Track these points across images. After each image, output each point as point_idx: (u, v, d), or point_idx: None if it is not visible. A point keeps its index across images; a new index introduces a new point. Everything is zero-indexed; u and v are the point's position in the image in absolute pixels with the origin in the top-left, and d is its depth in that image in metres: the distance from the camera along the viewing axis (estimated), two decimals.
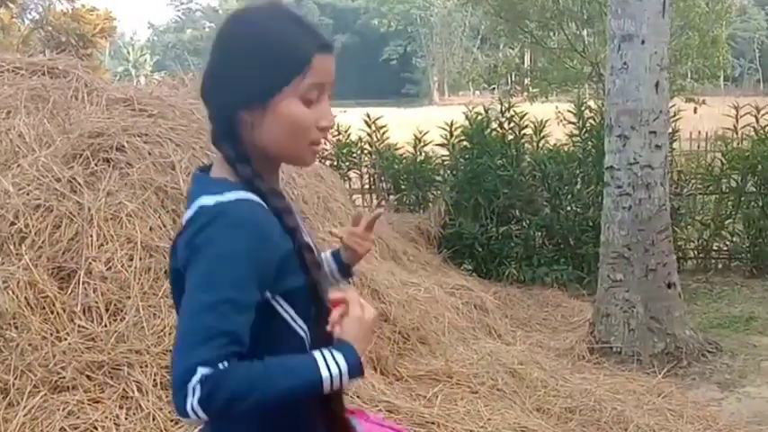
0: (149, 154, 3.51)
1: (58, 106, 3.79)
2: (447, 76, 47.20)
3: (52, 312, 3.07)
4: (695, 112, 11.49)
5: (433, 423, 3.26)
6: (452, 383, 3.71)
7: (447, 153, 6.89)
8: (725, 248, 6.93)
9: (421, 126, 7.20)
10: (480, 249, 6.44)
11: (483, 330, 4.61)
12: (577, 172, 6.64)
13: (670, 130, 5.78)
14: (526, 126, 6.80)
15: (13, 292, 3.01)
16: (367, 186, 7.27)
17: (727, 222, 6.81)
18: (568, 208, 6.63)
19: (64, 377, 2.89)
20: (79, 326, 3.07)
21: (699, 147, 8.08)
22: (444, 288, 4.85)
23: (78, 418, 2.81)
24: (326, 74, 1.22)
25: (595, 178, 6.33)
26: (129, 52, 51.92)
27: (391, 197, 7.11)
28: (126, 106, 4.00)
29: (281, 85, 1.19)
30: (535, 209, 6.63)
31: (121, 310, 3.14)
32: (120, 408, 2.87)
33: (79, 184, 3.35)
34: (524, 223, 6.64)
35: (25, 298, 3.04)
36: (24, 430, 2.72)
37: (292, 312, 1.22)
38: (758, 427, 3.74)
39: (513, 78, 16.55)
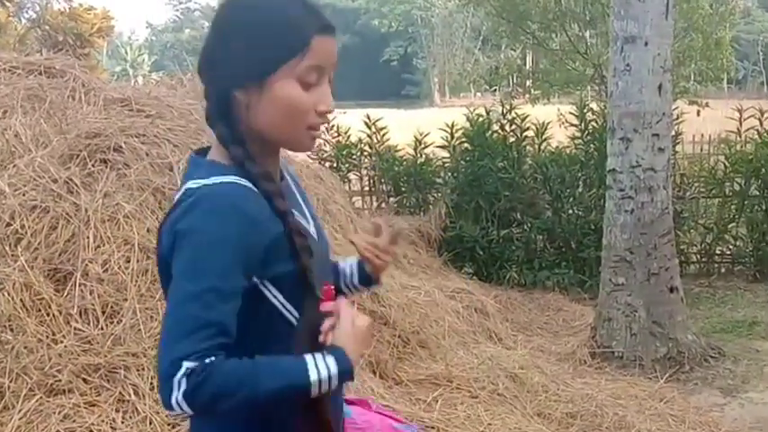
0: (147, 155, 3.49)
1: (55, 106, 3.77)
2: (448, 77, 47.14)
3: (48, 315, 3.05)
4: (698, 114, 11.47)
5: (432, 428, 3.25)
6: (452, 388, 3.69)
7: (448, 155, 6.87)
8: (728, 252, 6.91)
9: (421, 128, 7.19)
10: (481, 252, 6.42)
11: (483, 334, 4.59)
12: (579, 175, 6.62)
13: (673, 132, 5.77)
14: (528, 128, 6.78)
15: (9, 294, 2.99)
16: (367, 188, 7.25)
17: (730, 226, 6.78)
18: (570, 211, 6.62)
19: (60, 380, 2.86)
20: (75, 328, 3.04)
21: (702, 150, 8.05)
22: (445, 291, 4.83)
23: (74, 421, 2.78)
24: (326, 56, 1.18)
25: (597, 181, 6.30)
26: (126, 52, 51.76)
27: (391, 199, 7.09)
28: (123, 106, 3.98)
29: (278, 64, 1.15)
30: (536, 212, 6.61)
31: (118, 313, 3.11)
32: (117, 411, 2.84)
33: (76, 184, 3.33)
34: (525, 226, 6.62)
35: (21, 300, 3.02)
36: None
37: (281, 297, 1.19)
38: None
39: (515, 80, 16.50)
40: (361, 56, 50.52)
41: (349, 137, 7.15)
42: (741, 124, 7.21)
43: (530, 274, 6.32)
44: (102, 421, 2.80)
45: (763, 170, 6.53)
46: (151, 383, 2.93)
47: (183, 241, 1.11)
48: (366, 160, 7.15)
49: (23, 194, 3.26)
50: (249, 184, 1.17)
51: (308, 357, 1.15)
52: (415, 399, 3.55)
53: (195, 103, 4.09)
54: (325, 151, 7.02)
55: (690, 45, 11.54)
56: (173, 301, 1.11)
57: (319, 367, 1.14)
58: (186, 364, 1.06)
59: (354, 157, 7.11)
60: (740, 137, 7.22)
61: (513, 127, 6.75)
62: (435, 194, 6.87)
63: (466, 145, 6.71)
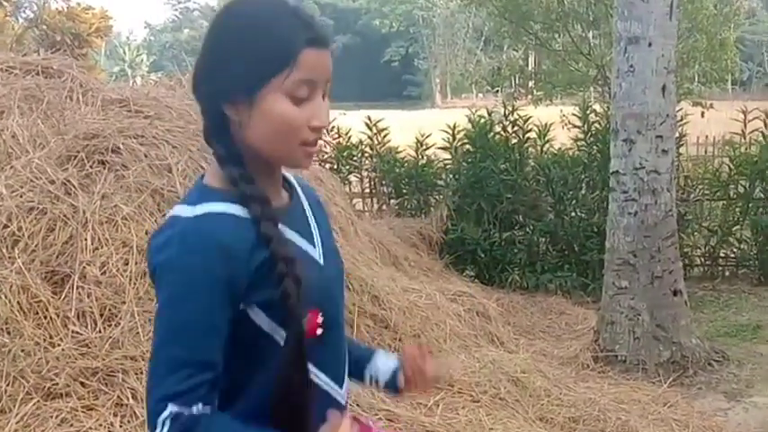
0: (145, 156, 3.48)
1: (53, 107, 3.77)
2: (450, 78, 47.13)
3: (45, 317, 3.04)
4: (702, 116, 11.43)
5: None
6: (454, 392, 3.66)
7: (449, 157, 6.86)
8: (732, 256, 6.87)
9: (423, 129, 7.19)
10: (483, 255, 6.39)
11: (485, 338, 4.58)
12: (582, 177, 6.61)
13: (677, 134, 5.75)
14: (530, 130, 6.76)
15: (6, 297, 2.98)
16: (367, 190, 7.23)
17: (734, 229, 6.75)
18: (573, 213, 6.60)
19: (57, 384, 2.85)
20: (73, 331, 3.04)
21: (706, 152, 8.02)
22: (446, 294, 4.82)
23: (72, 425, 2.77)
24: (317, 70, 1.14)
25: (600, 183, 6.29)
26: (125, 52, 51.70)
27: (392, 201, 7.07)
28: (122, 107, 3.97)
29: (266, 79, 1.12)
30: (539, 214, 6.59)
31: (116, 316, 3.11)
32: (115, 415, 2.83)
33: (74, 186, 3.33)
34: (528, 229, 6.60)
35: (18, 303, 3.02)
36: None
37: (269, 322, 1.16)
38: None
39: (517, 81, 16.47)
40: (361, 56, 50.57)
41: (349, 138, 7.13)
42: (746, 126, 7.18)
43: (532, 277, 6.29)
44: (100, 425, 2.78)
45: None
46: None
47: (162, 277, 1.11)
48: (367, 162, 7.14)
49: (20, 196, 3.26)
50: (238, 210, 1.14)
51: None
52: (415, 403, 3.52)
53: (194, 103, 4.06)
54: (326, 153, 7.00)
55: (694, 46, 11.50)
56: (156, 340, 1.11)
57: None
58: (171, 408, 1.07)
59: (355, 158, 7.10)
60: (745, 139, 7.19)
61: (516, 128, 6.73)
62: (437, 196, 6.85)
63: (468, 146, 6.69)
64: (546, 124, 6.88)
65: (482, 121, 6.68)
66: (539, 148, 6.81)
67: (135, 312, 3.09)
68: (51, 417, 2.76)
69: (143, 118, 3.84)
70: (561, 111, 9.03)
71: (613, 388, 4.11)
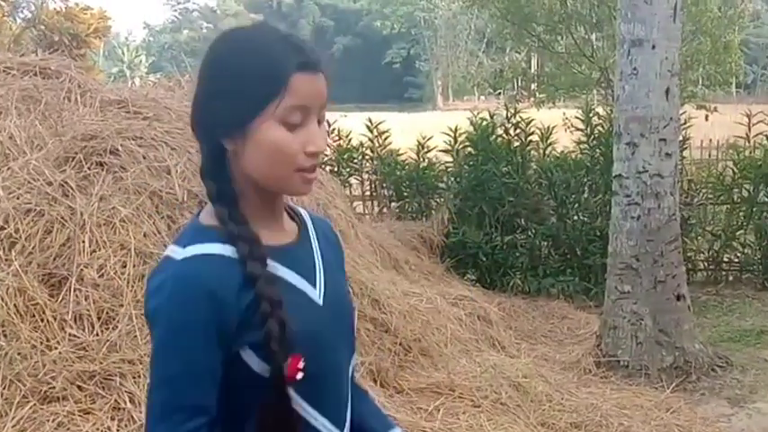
0: (144, 158, 3.48)
1: (51, 108, 3.77)
2: (451, 80, 47.17)
3: (42, 320, 3.04)
4: (706, 119, 11.41)
5: None
6: (454, 397, 3.67)
7: (451, 159, 6.85)
8: (736, 260, 6.86)
9: (424, 131, 7.19)
10: (484, 259, 6.37)
11: (486, 342, 4.57)
12: (585, 180, 6.59)
13: (680, 137, 5.75)
14: (532, 132, 6.75)
15: (2, 299, 2.97)
16: (368, 193, 7.22)
17: (738, 233, 6.74)
18: (575, 217, 6.58)
19: (54, 387, 2.84)
20: (70, 334, 3.03)
21: (710, 155, 8.02)
22: (447, 298, 4.82)
23: (68, 429, 2.76)
24: (309, 95, 1.12)
25: (603, 187, 6.28)
26: (123, 53, 51.65)
27: (393, 204, 7.06)
28: (120, 108, 3.97)
29: (258, 108, 1.10)
30: (541, 218, 6.57)
31: (114, 319, 3.10)
32: (112, 419, 2.82)
33: (71, 188, 3.32)
34: (530, 232, 6.58)
35: (14, 305, 3.02)
36: None
37: (259, 362, 1.15)
38: None
39: (520, 83, 16.46)
40: (362, 58, 50.64)
41: (350, 140, 7.12)
42: (750, 129, 7.17)
43: (534, 281, 6.28)
44: (97, 429, 2.77)
45: None
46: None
47: (154, 323, 1.13)
48: (367, 164, 7.12)
49: (18, 198, 3.25)
50: (227, 250, 1.14)
51: None
52: (416, 408, 3.53)
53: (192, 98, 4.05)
54: (326, 155, 6.98)
55: (698, 48, 11.47)
56: (150, 383, 1.14)
57: None
58: None
59: (355, 160, 7.08)
60: (749, 142, 7.18)
61: (518, 131, 6.72)
62: (438, 199, 6.84)
63: (469, 149, 6.67)
64: (548, 127, 6.87)
65: (484, 123, 6.66)
66: (541, 151, 6.79)
67: (133, 315, 3.08)
68: (48, 421, 2.74)
69: (142, 119, 3.84)
70: (564, 113, 9.03)
71: (616, 393, 4.10)
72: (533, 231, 6.55)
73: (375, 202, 7.19)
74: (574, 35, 12.14)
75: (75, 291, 3.08)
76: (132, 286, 3.17)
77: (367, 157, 7.09)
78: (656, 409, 3.92)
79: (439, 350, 4.05)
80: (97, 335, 3.03)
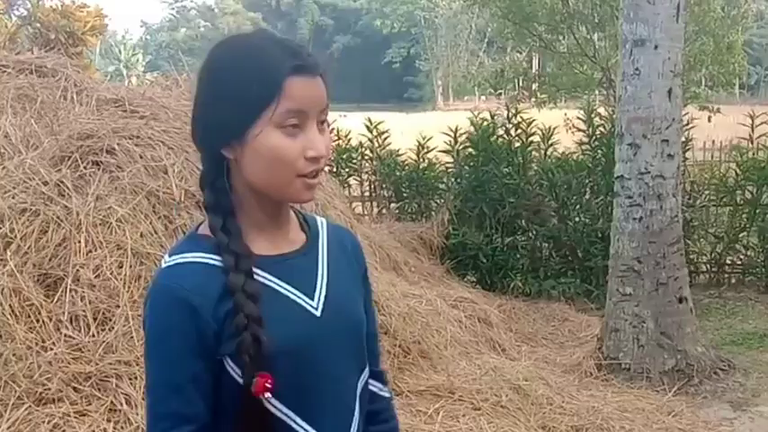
0: (141, 157, 3.47)
1: (46, 106, 3.76)
2: (452, 80, 47.11)
3: (38, 321, 3.04)
4: (709, 120, 11.42)
5: None
6: (454, 399, 3.66)
7: (451, 160, 6.84)
8: (739, 262, 6.83)
9: (424, 132, 7.19)
10: (485, 260, 6.35)
11: (486, 345, 4.57)
12: (586, 181, 6.57)
13: (683, 138, 5.74)
14: (534, 133, 6.74)
15: None
16: (367, 194, 7.21)
17: (741, 235, 6.71)
18: (577, 219, 6.56)
19: (49, 389, 2.84)
20: (66, 335, 3.03)
21: (713, 156, 8.02)
22: (447, 300, 4.82)
23: (64, 431, 2.75)
24: (305, 99, 1.10)
25: (605, 188, 6.26)
26: (120, 51, 51.48)
27: (392, 205, 7.05)
28: (117, 107, 3.97)
29: (254, 115, 1.09)
30: (542, 219, 6.55)
31: (110, 320, 3.10)
32: (108, 421, 2.81)
33: (67, 187, 3.32)
34: (531, 234, 6.57)
35: (10, 306, 3.02)
36: None
37: (240, 372, 1.14)
38: None
39: (521, 83, 16.42)
40: (362, 57, 50.64)
41: (349, 140, 7.11)
42: (753, 131, 7.17)
43: (535, 282, 6.25)
44: (93, 431, 2.76)
45: None
46: (143, 393, 2.88)
47: (145, 331, 1.16)
48: (367, 165, 7.11)
49: (13, 197, 3.25)
50: (213, 259, 1.14)
51: None
52: (415, 410, 3.53)
53: (190, 103, 4.04)
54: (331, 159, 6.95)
55: (701, 49, 11.45)
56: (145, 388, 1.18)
57: None
58: None
59: (355, 161, 7.07)
60: (752, 144, 7.18)
61: (519, 132, 6.69)
62: (438, 200, 6.82)
63: (470, 150, 6.65)
64: (549, 128, 6.85)
65: (485, 123, 6.64)
66: (542, 151, 6.78)
67: (129, 316, 3.08)
68: (43, 422, 2.74)
69: (138, 118, 3.84)
70: (565, 114, 9.02)
71: (617, 396, 4.09)
72: (534, 233, 6.54)
73: (374, 203, 7.17)
74: (575, 35, 12.13)
75: (70, 291, 3.08)
76: (128, 287, 3.17)
77: (366, 157, 7.07)
78: (658, 412, 3.92)
79: (439, 352, 4.04)
80: (93, 336, 3.04)
